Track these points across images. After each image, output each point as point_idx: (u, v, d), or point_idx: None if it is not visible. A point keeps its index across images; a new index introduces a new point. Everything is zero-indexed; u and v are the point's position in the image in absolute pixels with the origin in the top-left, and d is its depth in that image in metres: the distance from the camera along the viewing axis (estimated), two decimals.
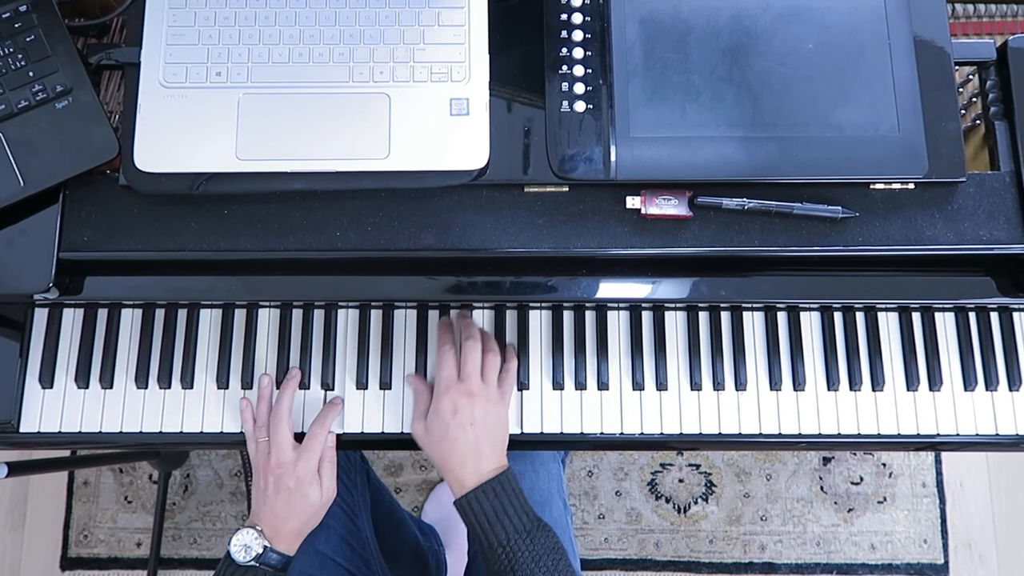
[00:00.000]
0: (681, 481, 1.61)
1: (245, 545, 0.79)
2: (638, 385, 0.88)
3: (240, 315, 0.90)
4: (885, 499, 1.60)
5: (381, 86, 0.81)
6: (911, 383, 0.88)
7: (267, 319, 0.90)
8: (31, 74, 0.80)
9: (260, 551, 0.79)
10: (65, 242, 0.81)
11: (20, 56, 0.81)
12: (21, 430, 0.87)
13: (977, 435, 0.88)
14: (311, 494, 0.82)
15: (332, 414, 0.86)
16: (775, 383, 0.88)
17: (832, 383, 0.88)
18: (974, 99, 0.88)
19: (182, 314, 0.90)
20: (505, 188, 0.82)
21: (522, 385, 0.89)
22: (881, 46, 0.82)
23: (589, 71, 0.82)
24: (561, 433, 0.88)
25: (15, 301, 0.88)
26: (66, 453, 1.40)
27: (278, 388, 0.87)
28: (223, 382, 0.89)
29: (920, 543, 1.59)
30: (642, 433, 0.88)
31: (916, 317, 0.90)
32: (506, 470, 0.80)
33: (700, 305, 0.90)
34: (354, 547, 1.00)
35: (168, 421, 0.88)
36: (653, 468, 1.62)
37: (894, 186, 0.82)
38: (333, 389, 0.89)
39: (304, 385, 0.89)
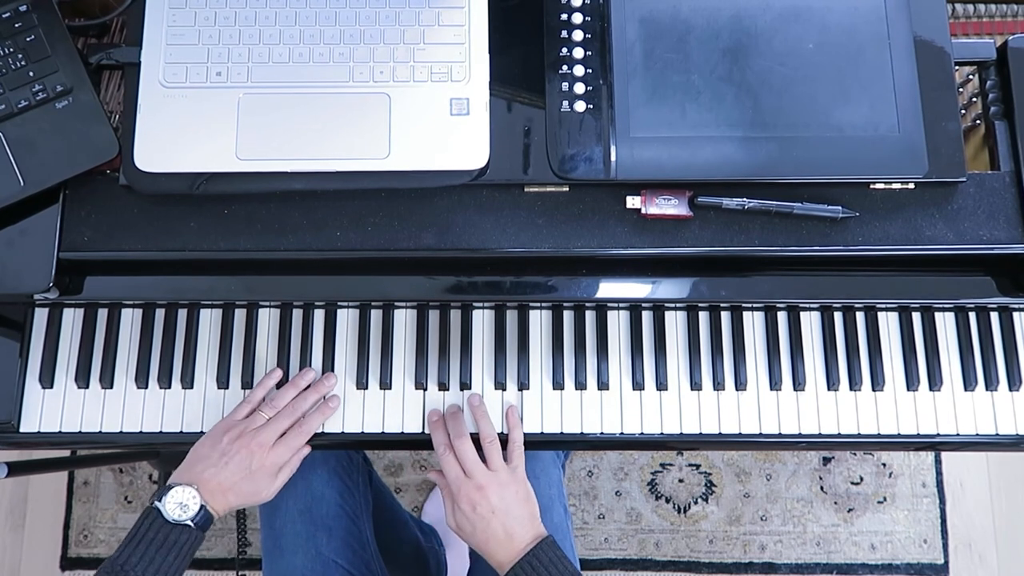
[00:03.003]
0: (681, 481, 1.61)
1: (181, 503, 0.78)
2: (638, 385, 0.88)
3: (240, 315, 0.90)
4: (885, 499, 1.60)
5: (381, 86, 0.81)
6: (911, 383, 0.88)
7: (267, 319, 0.90)
8: (31, 74, 0.81)
9: (196, 511, 0.78)
10: (65, 242, 0.81)
11: (20, 56, 0.81)
12: (21, 430, 0.87)
13: (977, 435, 0.88)
14: (261, 484, 0.82)
15: (318, 420, 0.86)
16: (775, 383, 0.88)
17: (832, 383, 0.88)
18: (974, 99, 0.88)
19: (182, 314, 0.90)
20: (505, 188, 0.82)
21: (522, 385, 0.89)
22: (881, 46, 0.82)
23: (589, 71, 0.82)
24: (561, 433, 0.88)
25: (15, 301, 0.88)
26: (66, 453, 1.40)
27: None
28: (223, 382, 0.89)
29: (920, 543, 1.59)
30: (642, 433, 0.88)
31: (916, 317, 0.90)
32: (542, 541, 0.80)
33: (700, 305, 0.90)
34: (355, 549, 1.00)
35: (168, 421, 0.88)
36: (653, 468, 1.62)
37: (894, 186, 0.82)
38: (333, 389, 0.89)
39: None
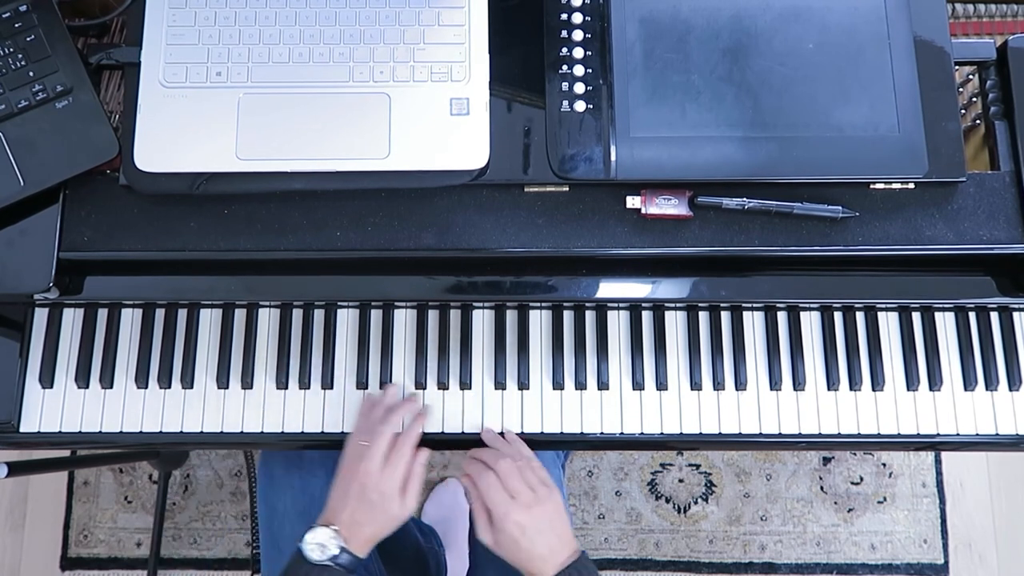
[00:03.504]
0: (681, 481, 1.61)
1: (320, 544, 0.78)
2: (638, 385, 0.88)
3: (240, 315, 0.90)
4: (885, 499, 1.60)
5: (381, 86, 0.82)
6: (911, 383, 0.88)
7: (267, 319, 0.90)
8: (31, 74, 0.81)
9: (336, 552, 0.78)
10: (65, 242, 0.81)
11: (20, 56, 0.81)
12: (21, 430, 0.87)
13: (977, 435, 0.88)
14: (391, 508, 0.82)
15: (418, 428, 0.86)
16: (775, 383, 0.88)
17: (832, 383, 0.88)
18: (974, 99, 0.88)
19: (182, 314, 0.90)
20: (505, 188, 0.82)
21: (522, 385, 0.89)
22: (881, 46, 0.82)
23: (589, 71, 0.82)
24: (561, 433, 0.88)
25: (15, 301, 0.88)
26: (66, 453, 1.40)
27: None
28: (223, 382, 0.89)
29: (920, 543, 1.59)
30: (642, 433, 0.88)
31: (916, 317, 0.90)
32: (582, 555, 0.82)
33: (700, 305, 0.90)
34: None
35: (168, 421, 0.88)
36: (653, 468, 1.62)
37: (894, 186, 0.82)
38: (333, 389, 0.89)
39: (305, 385, 0.88)
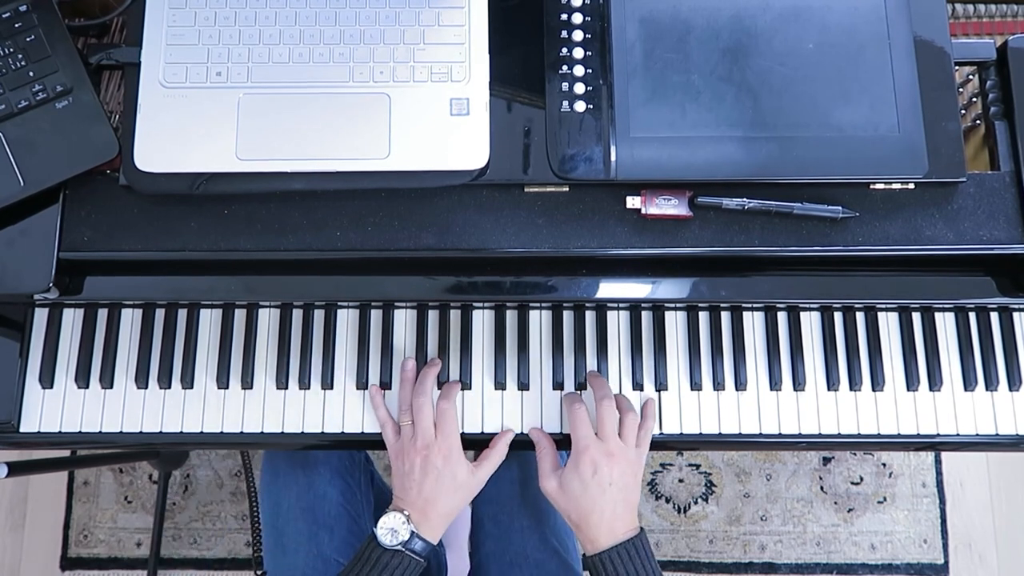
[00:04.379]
0: (681, 481, 1.61)
1: (392, 529, 0.78)
2: (638, 385, 0.88)
3: (240, 315, 0.90)
4: (885, 499, 1.60)
5: (381, 86, 0.81)
6: (911, 383, 0.88)
7: (267, 319, 0.90)
8: (31, 74, 0.81)
9: (406, 537, 0.78)
10: (65, 242, 0.81)
11: (20, 56, 0.81)
12: (21, 430, 0.87)
13: (977, 435, 0.88)
14: (459, 472, 0.81)
15: (454, 391, 0.86)
16: (775, 383, 0.88)
17: (832, 383, 0.88)
18: (974, 99, 0.88)
19: (182, 314, 0.90)
20: (505, 188, 0.82)
21: (522, 385, 0.89)
22: (881, 46, 0.82)
23: (589, 71, 0.82)
24: (561, 433, 0.88)
25: (15, 301, 0.88)
26: (66, 453, 1.40)
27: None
28: (223, 382, 0.89)
29: (920, 543, 1.59)
30: None
31: (916, 317, 0.90)
32: (640, 533, 0.79)
33: (700, 305, 0.90)
34: (357, 548, 1.00)
35: (168, 421, 0.88)
36: (653, 468, 1.62)
37: (894, 186, 0.82)
38: (333, 388, 0.89)
39: (305, 385, 0.89)
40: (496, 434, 0.86)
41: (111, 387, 0.88)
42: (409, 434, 0.82)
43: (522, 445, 0.88)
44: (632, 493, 0.81)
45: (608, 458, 0.79)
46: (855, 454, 1.61)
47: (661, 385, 0.88)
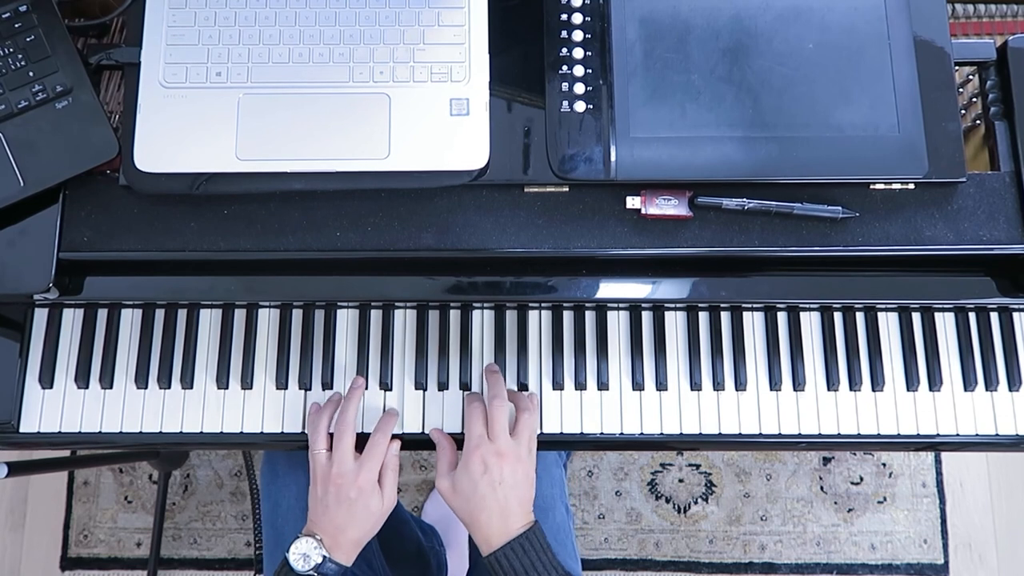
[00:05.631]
0: (681, 481, 1.61)
1: (304, 554, 0.79)
2: (638, 385, 0.88)
3: (240, 315, 0.90)
4: (885, 499, 1.60)
5: (381, 86, 0.81)
6: (911, 383, 0.88)
7: (267, 319, 0.90)
8: (31, 74, 0.81)
9: (319, 561, 0.78)
10: (65, 242, 0.81)
11: (20, 56, 0.81)
12: (21, 430, 0.87)
13: (977, 435, 0.88)
14: (372, 504, 0.81)
15: (391, 423, 0.85)
16: (775, 383, 0.88)
17: (832, 383, 0.88)
18: (974, 99, 0.88)
19: (182, 314, 0.90)
20: (505, 188, 0.82)
21: (522, 385, 0.89)
22: (881, 46, 0.82)
23: (589, 71, 0.82)
24: (561, 433, 0.88)
25: (15, 301, 0.88)
26: (66, 453, 1.40)
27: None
28: (223, 382, 0.89)
29: (920, 543, 1.59)
30: (642, 433, 0.88)
31: (916, 317, 0.90)
32: (533, 526, 0.79)
33: (700, 305, 0.90)
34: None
35: (168, 421, 0.88)
36: (653, 468, 1.62)
37: (894, 186, 0.82)
38: (333, 389, 0.89)
39: (305, 385, 0.89)
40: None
41: (111, 387, 0.88)
42: (324, 462, 0.82)
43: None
44: (524, 491, 0.80)
45: (498, 457, 0.79)
46: (855, 454, 1.61)
47: (661, 385, 0.88)
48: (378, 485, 0.82)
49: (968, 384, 0.88)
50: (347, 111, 0.81)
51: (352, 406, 0.84)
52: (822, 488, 1.60)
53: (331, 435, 0.84)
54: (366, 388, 0.88)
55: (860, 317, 0.90)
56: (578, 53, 0.82)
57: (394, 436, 0.87)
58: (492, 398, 0.83)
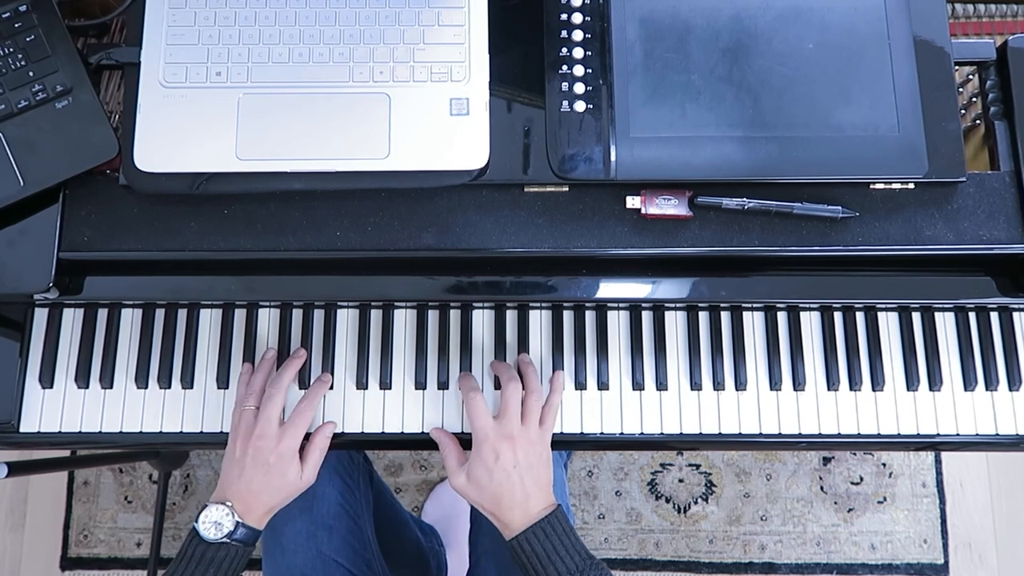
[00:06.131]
0: (681, 481, 1.61)
1: (216, 522, 0.77)
2: (638, 385, 0.88)
3: (240, 315, 0.90)
4: (885, 499, 1.60)
5: (381, 86, 0.82)
6: (911, 383, 0.88)
7: (267, 319, 0.90)
8: (31, 74, 0.81)
9: (231, 528, 0.77)
10: (65, 242, 0.81)
11: (20, 56, 0.81)
12: (21, 430, 0.87)
13: (977, 435, 0.88)
14: (289, 473, 0.80)
15: (320, 390, 0.85)
16: (775, 383, 0.88)
17: (832, 383, 0.88)
18: (974, 99, 0.88)
19: (182, 314, 0.90)
20: (505, 188, 0.82)
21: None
22: (881, 46, 0.82)
23: (589, 71, 0.82)
24: (561, 433, 0.88)
25: (15, 301, 0.88)
26: (66, 453, 1.40)
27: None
28: (223, 382, 0.89)
29: (920, 543, 1.59)
30: (642, 433, 0.88)
31: (916, 317, 0.90)
32: (555, 509, 0.79)
33: (700, 305, 0.90)
34: (356, 548, 1.00)
35: (168, 421, 0.88)
36: (653, 468, 1.62)
37: (894, 186, 0.82)
38: (332, 388, 0.89)
39: (305, 385, 0.89)
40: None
41: (111, 387, 0.88)
42: (250, 420, 0.81)
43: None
44: (541, 472, 0.80)
45: (508, 441, 0.79)
46: (855, 454, 1.61)
47: (661, 385, 0.88)
48: (298, 456, 0.82)
49: (968, 384, 0.88)
50: (347, 111, 0.81)
51: (289, 372, 0.84)
52: (822, 488, 1.60)
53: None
54: (366, 388, 0.88)
55: (860, 317, 0.90)
56: (578, 53, 0.82)
57: (394, 436, 0.87)
58: (506, 381, 0.83)
